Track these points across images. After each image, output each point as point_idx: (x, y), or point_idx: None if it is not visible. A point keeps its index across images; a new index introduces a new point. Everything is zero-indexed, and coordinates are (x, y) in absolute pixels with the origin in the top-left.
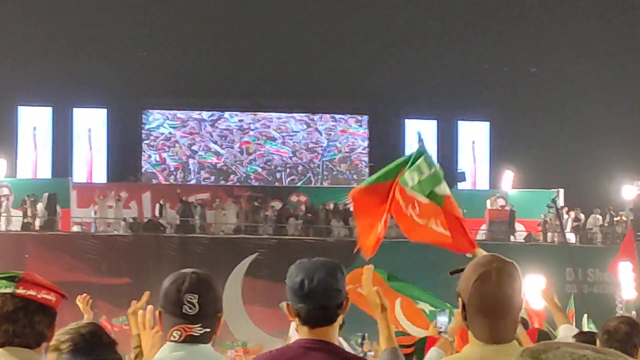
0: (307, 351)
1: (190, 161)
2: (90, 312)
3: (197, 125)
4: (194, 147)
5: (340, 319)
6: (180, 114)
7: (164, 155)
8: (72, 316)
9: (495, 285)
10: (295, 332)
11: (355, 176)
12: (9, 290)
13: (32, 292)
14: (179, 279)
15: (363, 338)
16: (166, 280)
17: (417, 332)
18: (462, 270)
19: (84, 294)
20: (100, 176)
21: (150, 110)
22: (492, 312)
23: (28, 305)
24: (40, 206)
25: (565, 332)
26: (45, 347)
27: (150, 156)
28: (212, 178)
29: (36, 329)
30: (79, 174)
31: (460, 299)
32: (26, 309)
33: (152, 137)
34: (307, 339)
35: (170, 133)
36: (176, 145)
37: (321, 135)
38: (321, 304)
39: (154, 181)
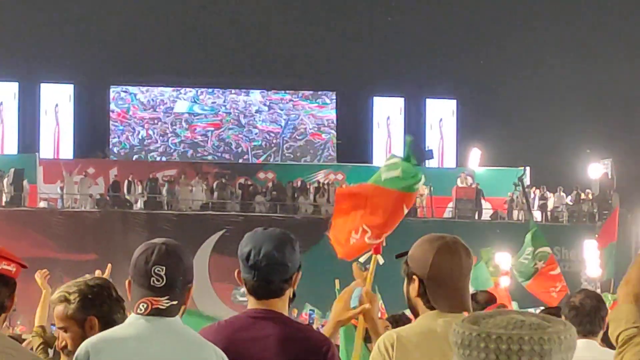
0: (255, 320)
1: (157, 137)
2: (48, 287)
3: (162, 102)
4: (160, 124)
5: (289, 292)
6: (146, 89)
7: (131, 130)
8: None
9: (455, 254)
10: None
11: (323, 153)
12: None
13: None
14: (148, 249)
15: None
16: (137, 250)
17: None
18: (406, 253)
19: (44, 270)
20: (67, 152)
21: (117, 86)
22: (454, 281)
23: None
24: (6, 182)
25: None
26: (4, 317)
27: (117, 132)
28: (179, 154)
29: None
30: (45, 150)
31: (414, 278)
32: None
33: (118, 113)
34: (256, 308)
35: (135, 109)
36: (142, 121)
37: (288, 113)
38: (265, 277)
39: (121, 157)
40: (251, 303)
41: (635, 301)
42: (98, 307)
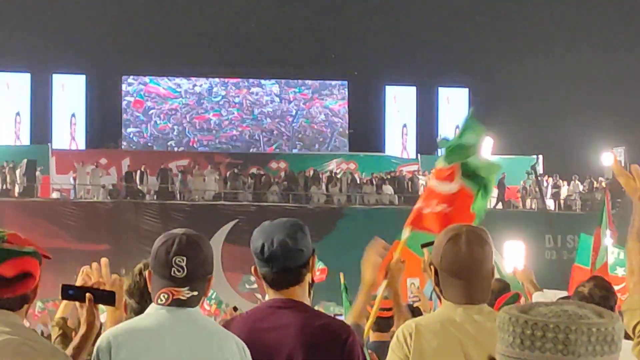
0: (276, 310)
1: (169, 127)
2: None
3: (175, 92)
4: (172, 113)
5: (308, 278)
6: (158, 79)
7: (143, 121)
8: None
9: (466, 246)
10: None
11: (335, 142)
12: None
13: None
14: (168, 240)
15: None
16: (157, 241)
17: None
18: (432, 243)
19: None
20: (79, 143)
21: (129, 76)
22: (463, 272)
23: None
24: (19, 172)
25: (538, 298)
26: (27, 308)
27: (130, 122)
28: (192, 144)
29: (19, 291)
30: (58, 141)
31: (432, 267)
32: None
33: (130, 103)
34: (276, 298)
35: (147, 99)
36: (154, 111)
37: (300, 102)
38: (284, 266)
39: (133, 147)
40: (270, 294)
41: None
42: None
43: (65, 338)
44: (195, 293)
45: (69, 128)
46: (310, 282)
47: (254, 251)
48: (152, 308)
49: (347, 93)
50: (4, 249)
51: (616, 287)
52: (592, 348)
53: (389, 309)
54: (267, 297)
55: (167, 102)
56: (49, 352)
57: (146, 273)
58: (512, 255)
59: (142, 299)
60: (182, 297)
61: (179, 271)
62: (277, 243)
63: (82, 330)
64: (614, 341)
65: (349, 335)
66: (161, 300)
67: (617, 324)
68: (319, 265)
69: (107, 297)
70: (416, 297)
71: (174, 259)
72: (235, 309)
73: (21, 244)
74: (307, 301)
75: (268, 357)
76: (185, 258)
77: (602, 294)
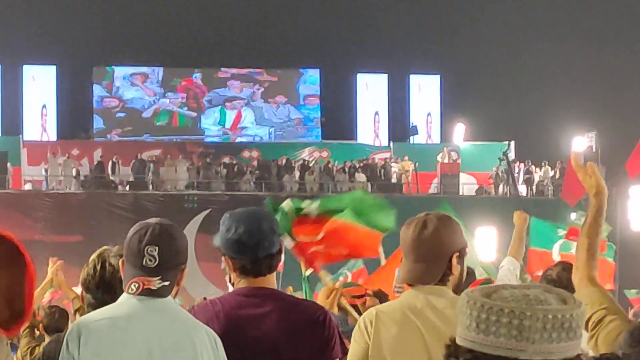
0: (251, 299)
1: (140, 117)
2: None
3: (146, 82)
4: (143, 103)
5: (279, 267)
6: (129, 69)
7: (115, 111)
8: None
9: (414, 227)
10: None
11: (307, 131)
12: None
13: None
14: (141, 229)
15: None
16: (131, 230)
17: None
18: None
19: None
20: (50, 134)
21: (99, 67)
22: (410, 252)
23: None
24: None
25: (507, 264)
26: None
27: (100, 113)
28: (163, 134)
29: None
30: (29, 132)
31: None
32: None
33: (101, 94)
34: (249, 287)
35: (118, 89)
36: (126, 101)
37: (273, 91)
38: (267, 252)
39: (105, 138)
40: (242, 283)
41: (593, 284)
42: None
43: (32, 331)
44: (167, 283)
45: (40, 119)
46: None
47: (234, 240)
48: (123, 297)
49: (319, 81)
50: None
51: None
52: (547, 335)
53: (361, 296)
54: (235, 285)
55: (138, 92)
56: None
57: (119, 262)
58: (484, 241)
59: (98, 293)
60: (153, 287)
61: (150, 261)
62: (262, 229)
63: None
64: (572, 328)
65: (325, 315)
66: (132, 289)
67: (577, 310)
68: None
69: None
70: (401, 287)
71: (146, 248)
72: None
73: None
74: (276, 287)
75: (252, 347)
76: (157, 248)
77: (570, 276)
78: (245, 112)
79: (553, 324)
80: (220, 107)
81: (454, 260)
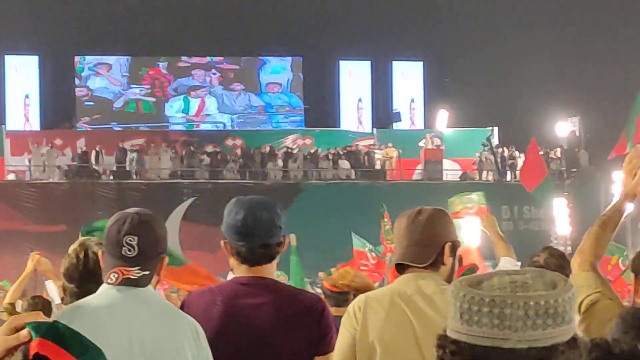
0: (249, 288)
1: (122, 106)
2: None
3: (127, 70)
4: (125, 92)
5: (278, 257)
6: (111, 58)
7: (97, 100)
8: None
9: (410, 217)
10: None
11: (290, 118)
12: None
13: None
14: (120, 219)
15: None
16: (109, 220)
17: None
18: None
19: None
20: (33, 124)
21: (81, 56)
22: (404, 239)
23: None
24: None
25: (505, 265)
26: None
27: (82, 102)
28: (145, 123)
29: None
30: (12, 122)
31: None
32: None
33: (83, 83)
34: (247, 276)
35: (101, 78)
36: (108, 90)
37: (255, 78)
38: (263, 242)
39: (89, 128)
40: (241, 270)
41: (592, 269)
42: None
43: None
44: (147, 272)
45: (23, 109)
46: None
47: (232, 224)
48: (103, 287)
49: (301, 68)
50: None
51: None
52: (531, 322)
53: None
54: (234, 273)
55: (120, 81)
56: None
57: (99, 252)
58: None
59: (82, 282)
60: (132, 277)
61: (129, 250)
62: (260, 218)
63: None
64: (558, 313)
65: (323, 308)
66: (111, 279)
67: (564, 295)
68: None
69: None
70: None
71: (125, 238)
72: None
73: None
74: (275, 277)
75: (246, 334)
76: (136, 237)
77: (557, 262)
78: (209, 100)
79: (536, 310)
80: (184, 95)
81: (447, 249)
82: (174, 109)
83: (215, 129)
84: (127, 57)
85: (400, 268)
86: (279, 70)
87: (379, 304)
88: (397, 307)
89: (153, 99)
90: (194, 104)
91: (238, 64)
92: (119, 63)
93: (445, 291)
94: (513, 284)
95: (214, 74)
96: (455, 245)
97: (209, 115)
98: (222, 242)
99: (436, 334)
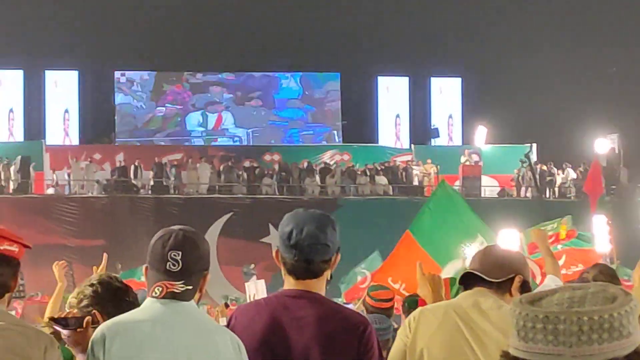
0: (293, 300)
1: (162, 121)
2: (64, 279)
3: (166, 86)
4: (165, 108)
5: (327, 274)
6: (150, 74)
7: (136, 115)
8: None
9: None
10: (253, 292)
11: (328, 134)
12: None
13: None
14: (165, 235)
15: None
16: (154, 237)
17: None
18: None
19: (62, 261)
20: (73, 138)
21: (121, 71)
22: (477, 262)
23: None
24: (13, 169)
25: (549, 283)
26: (9, 297)
27: (122, 117)
28: (184, 138)
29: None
30: (51, 137)
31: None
32: None
33: (123, 98)
34: (292, 289)
35: (140, 94)
36: (148, 106)
37: (295, 93)
38: (307, 257)
39: (137, 143)
40: (289, 283)
41: None
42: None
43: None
44: (190, 287)
45: (62, 124)
46: (329, 278)
47: (280, 235)
48: (147, 301)
49: (339, 84)
50: None
51: None
52: (585, 337)
53: (389, 300)
54: (284, 284)
55: (159, 96)
56: (34, 335)
57: (143, 268)
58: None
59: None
60: (176, 290)
61: (174, 265)
62: (305, 233)
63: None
64: (614, 328)
65: (366, 327)
66: (155, 293)
67: (621, 309)
68: None
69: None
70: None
71: (169, 253)
72: (226, 305)
73: (0, 237)
74: (324, 294)
75: (285, 348)
76: (180, 252)
77: (607, 279)
78: (225, 115)
79: (590, 325)
80: (202, 110)
81: (517, 281)
82: (194, 122)
83: (232, 143)
84: (152, 72)
85: (467, 285)
86: (291, 86)
87: (433, 315)
88: (450, 319)
89: (175, 114)
90: (212, 118)
91: (254, 79)
92: (142, 78)
93: (502, 307)
94: (570, 300)
95: (231, 90)
96: (525, 286)
97: (225, 129)
98: (274, 251)
99: (488, 346)
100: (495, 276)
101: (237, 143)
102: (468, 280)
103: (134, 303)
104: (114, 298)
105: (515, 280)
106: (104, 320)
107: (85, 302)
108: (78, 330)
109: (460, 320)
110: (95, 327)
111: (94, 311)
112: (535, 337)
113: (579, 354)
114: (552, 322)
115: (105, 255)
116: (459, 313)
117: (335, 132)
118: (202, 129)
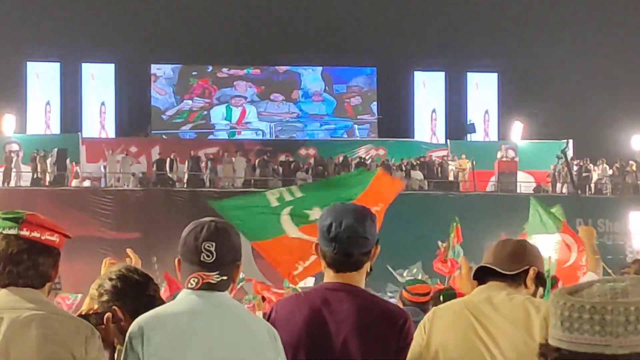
0: (332, 293)
1: (198, 115)
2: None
3: (203, 79)
4: (201, 101)
5: (367, 266)
6: (186, 67)
7: (173, 109)
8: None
9: (503, 240)
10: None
11: (364, 129)
12: (13, 231)
13: (36, 234)
14: (197, 227)
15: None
16: (185, 229)
17: None
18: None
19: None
20: (109, 131)
21: (157, 64)
22: (491, 255)
23: (32, 247)
24: (50, 162)
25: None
26: (50, 286)
27: (158, 110)
28: (221, 132)
29: (40, 270)
30: (88, 129)
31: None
32: (30, 250)
33: (159, 91)
34: (332, 282)
35: (177, 87)
36: (184, 99)
37: (329, 88)
38: (346, 250)
39: (164, 136)
40: (329, 276)
41: None
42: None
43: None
44: (225, 278)
45: (99, 116)
46: (369, 270)
47: (320, 229)
48: (183, 293)
49: (375, 79)
50: (20, 237)
51: None
52: (632, 327)
53: (426, 294)
54: (324, 276)
55: (195, 90)
56: (74, 324)
57: (175, 261)
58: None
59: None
60: (212, 281)
61: (208, 256)
62: (344, 226)
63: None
64: None
65: (406, 320)
66: (191, 284)
67: None
68: None
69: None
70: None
71: (203, 244)
72: (263, 298)
73: (40, 224)
74: (363, 286)
75: (325, 340)
76: (214, 243)
77: None
78: (249, 109)
79: (637, 316)
80: (226, 104)
81: (532, 272)
82: (218, 116)
83: (256, 136)
84: (178, 65)
85: (482, 280)
86: (314, 80)
87: (446, 313)
88: (462, 316)
89: (201, 108)
90: (236, 112)
91: (278, 74)
92: (168, 72)
93: (513, 299)
94: (613, 291)
95: (256, 84)
96: (540, 277)
97: (249, 122)
98: (314, 244)
99: (500, 340)
100: (510, 268)
101: (260, 137)
102: (483, 274)
103: (155, 296)
104: (133, 292)
105: (529, 272)
106: (125, 315)
107: (105, 297)
108: (99, 326)
109: (473, 316)
110: (115, 324)
111: (114, 307)
112: (582, 327)
113: (626, 344)
114: (599, 313)
115: (129, 251)
116: (471, 309)
117: (356, 126)
118: (226, 122)
